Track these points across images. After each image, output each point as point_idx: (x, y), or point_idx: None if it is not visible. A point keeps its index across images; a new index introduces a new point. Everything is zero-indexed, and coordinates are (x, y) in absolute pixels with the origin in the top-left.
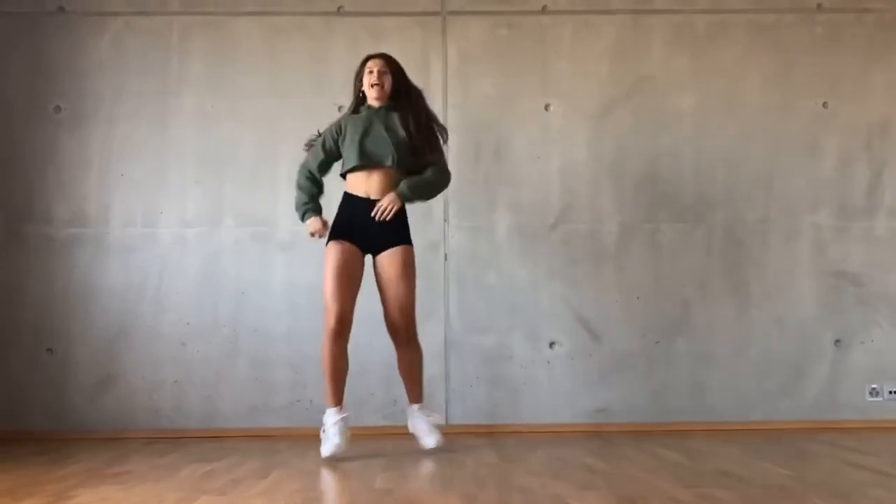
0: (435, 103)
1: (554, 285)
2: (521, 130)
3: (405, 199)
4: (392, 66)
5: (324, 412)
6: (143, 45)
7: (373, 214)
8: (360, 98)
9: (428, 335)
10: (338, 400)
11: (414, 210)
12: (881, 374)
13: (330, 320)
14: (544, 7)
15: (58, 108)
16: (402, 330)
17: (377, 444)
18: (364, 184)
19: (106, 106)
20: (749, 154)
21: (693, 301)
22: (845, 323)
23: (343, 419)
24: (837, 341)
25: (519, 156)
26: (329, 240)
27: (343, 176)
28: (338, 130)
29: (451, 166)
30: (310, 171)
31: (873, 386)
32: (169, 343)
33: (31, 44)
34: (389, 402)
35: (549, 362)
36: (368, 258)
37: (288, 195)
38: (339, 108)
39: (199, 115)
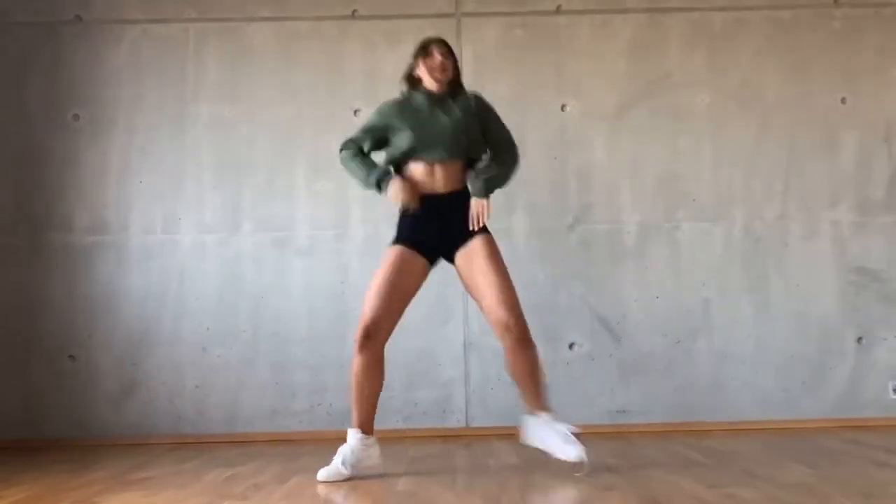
0: None
1: (573, 286)
2: (538, 131)
3: (488, 195)
4: (454, 55)
5: (343, 416)
6: (160, 53)
7: (471, 227)
8: (412, 83)
9: (447, 338)
10: (359, 420)
11: None
12: None
13: (358, 328)
14: (559, 7)
15: (76, 117)
16: (513, 323)
17: (398, 446)
18: (427, 178)
19: (124, 113)
20: (767, 151)
21: (713, 300)
22: (867, 320)
23: (362, 447)
24: (860, 338)
25: (536, 157)
26: (393, 242)
27: (397, 170)
28: (386, 114)
29: None
30: (359, 148)
31: None
32: (190, 348)
33: (49, 53)
34: (410, 404)
35: (568, 363)
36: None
37: (305, 200)
38: (356, 112)
39: (215, 121)
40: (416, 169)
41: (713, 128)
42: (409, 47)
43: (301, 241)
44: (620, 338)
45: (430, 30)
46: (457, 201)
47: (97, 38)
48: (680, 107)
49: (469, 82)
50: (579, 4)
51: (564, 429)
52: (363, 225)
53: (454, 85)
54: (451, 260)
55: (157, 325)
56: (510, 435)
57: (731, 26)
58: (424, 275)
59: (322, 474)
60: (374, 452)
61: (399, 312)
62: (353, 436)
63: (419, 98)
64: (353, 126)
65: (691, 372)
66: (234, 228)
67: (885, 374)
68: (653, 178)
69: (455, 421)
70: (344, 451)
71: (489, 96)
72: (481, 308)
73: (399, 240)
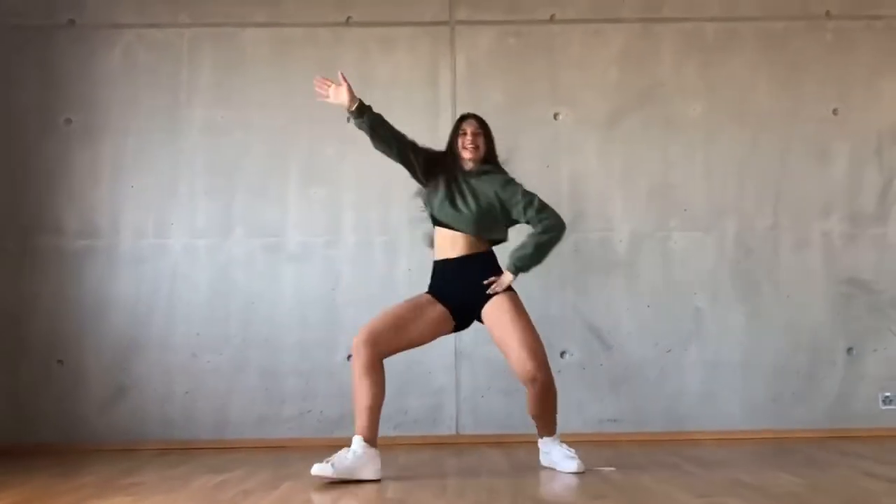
0: (444, 113)
1: (565, 294)
2: (531, 139)
3: (519, 272)
4: (485, 129)
5: (333, 423)
6: (154, 57)
7: (488, 290)
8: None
9: (439, 347)
10: (360, 428)
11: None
12: (895, 382)
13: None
14: (553, 16)
15: (68, 121)
16: (540, 376)
17: (388, 454)
18: (449, 246)
19: (116, 118)
20: (759, 161)
21: (704, 309)
22: (858, 331)
23: (361, 455)
24: (850, 349)
25: (529, 164)
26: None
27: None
28: (433, 160)
29: None
30: (401, 135)
31: (887, 394)
32: (180, 354)
33: (42, 56)
34: (400, 412)
35: (560, 371)
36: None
37: (297, 206)
38: (348, 119)
39: (209, 127)
40: (440, 233)
41: (705, 137)
42: (403, 54)
43: (293, 247)
44: (612, 346)
45: (424, 37)
46: (465, 264)
47: (91, 42)
48: (672, 116)
49: (463, 90)
50: (573, 13)
51: (566, 447)
52: (355, 232)
53: (487, 160)
54: (479, 319)
55: (148, 330)
56: (500, 443)
57: (724, 37)
58: (442, 323)
59: (316, 469)
60: (374, 464)
61: (400, 340)
62: (356, 443)
63: (457, 172)
64: (347, 132)
65: (682, 381)
66: (226, 234)
67: (874, 384)
68: (645, 187)
69: (446, 428)
70: (341, 453)
71: (482, 104)
72: (508, 360)
73: (429, 289)
